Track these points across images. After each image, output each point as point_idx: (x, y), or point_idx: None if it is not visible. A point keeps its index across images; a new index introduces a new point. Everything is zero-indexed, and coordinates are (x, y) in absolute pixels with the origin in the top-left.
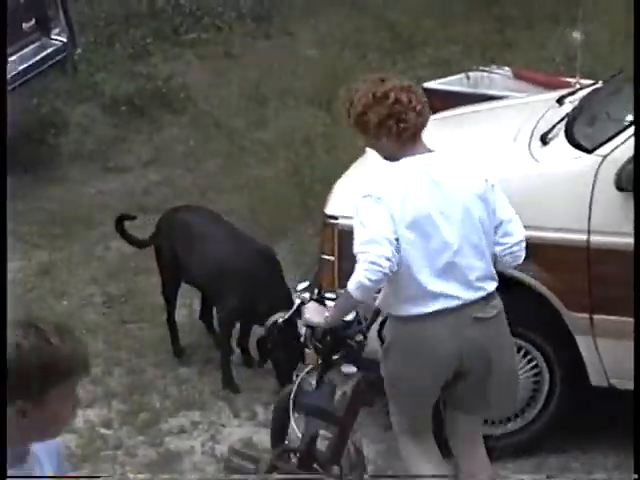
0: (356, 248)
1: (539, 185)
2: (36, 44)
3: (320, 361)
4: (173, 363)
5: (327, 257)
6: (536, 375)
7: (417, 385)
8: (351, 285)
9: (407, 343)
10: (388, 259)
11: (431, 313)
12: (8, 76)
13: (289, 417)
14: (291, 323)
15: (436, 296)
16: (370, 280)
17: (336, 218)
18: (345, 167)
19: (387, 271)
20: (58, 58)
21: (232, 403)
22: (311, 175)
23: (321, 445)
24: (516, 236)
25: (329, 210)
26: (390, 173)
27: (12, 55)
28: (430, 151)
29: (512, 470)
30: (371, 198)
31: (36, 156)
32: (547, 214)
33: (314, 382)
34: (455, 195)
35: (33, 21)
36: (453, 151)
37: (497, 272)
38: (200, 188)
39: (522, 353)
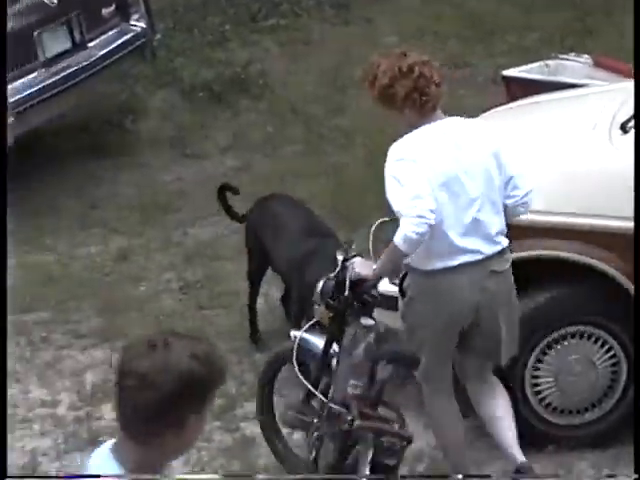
0: (399, 205)
1: (619, 173)
2: (115, 30)
3: (331, 317)
4: (249, 349)
5: None
6: (614, 365)
7: (439, 333)
8: (398, 239)
9: (432, 294)
10: (433, 211)
11: (456, 266)
12: (88, 61)
13: (275, 376)
14: (340, 282)
15: (462, 251)
16: (417, 233)
17: None
18: None
19: (432, 223)
20: (137, 44)
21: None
22: None
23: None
24: (525, 188)
25: None
26: (417, 138)
27: (92, 41)
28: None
29: (591, 461)
30: (406, 160)
31: (115, 142)
32: (628, 203)
33: (315, 339)
34: (475, 155)
35: (113, 7)
36: (529, 139)
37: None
38: (278, 174)
39: (600, 343)
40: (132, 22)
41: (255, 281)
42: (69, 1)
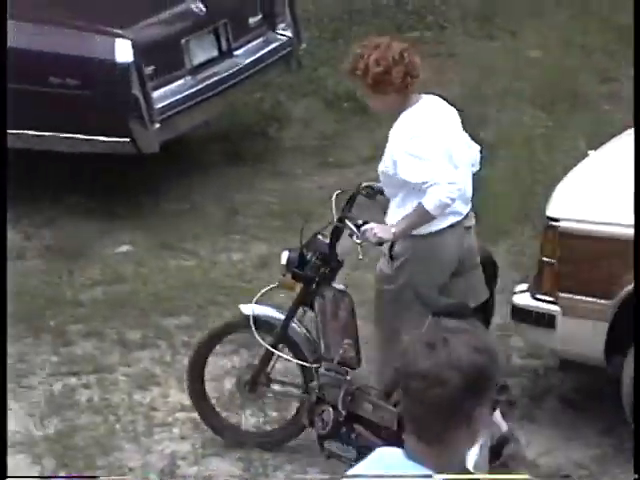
0: (424, 176)
1: None
2: (262, 39)
3: (301, 286)
4: None
5: (547, 259)
6: None
7: (429, 289)
8: (431, 204)
9: (426, 255)
10: (459, 181)
11: (445, 228)
12: (234, 70)
13: (214, 348)
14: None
15: (450, 213)
16: (451, 199)
17: (558, 220)
18: (565, 169)
19: (462, 188)
20: (283, 53)
21: None
22: (531, 176)
23: None
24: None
25: (550, 212)
26: (420, 116)
27: (238, 49)
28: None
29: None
30: (419, 137)
31: (258, 149)
32: None
33: (268, 309)
34: (457, 126)
35: (260, 16)
36: None
37: None
38: None
39: None
40: (278, 31)
41: None
42: (217, 9)
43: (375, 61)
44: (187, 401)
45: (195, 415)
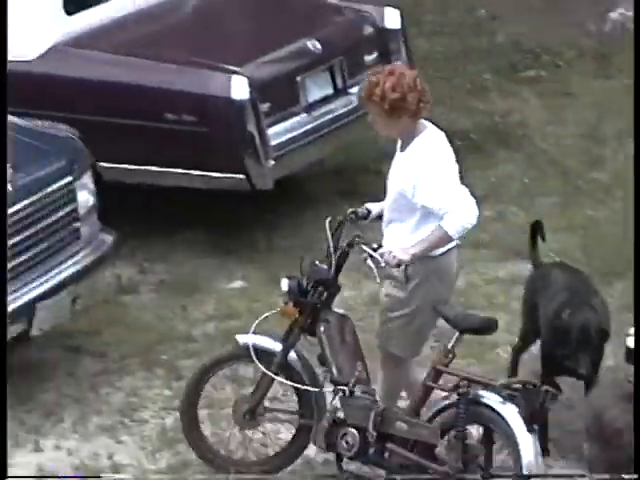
0: (445, 202)
1: None
2: None
3: (300, 311)
4: None
5: None
6: None
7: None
8: (453, 229)
9: (438, 274)
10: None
11: (451, 248)
12: (348, 107)
13: (210, 378)
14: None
15: None
16: (471, 224)
17: None
18: None
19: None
20: None
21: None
22: None
23: None
24: None
25: None
26: (434, 143)
27: (353, 87)
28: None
29: None
30: (439, 163)
31: (372, 186)
32: None
33: (264, 339)
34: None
35: (375, 54)
36: None
37: None
38: None
39: None
40: None
41: (525, 340)
42: (333, 47)
43: (391, 88)
44: None
45: None
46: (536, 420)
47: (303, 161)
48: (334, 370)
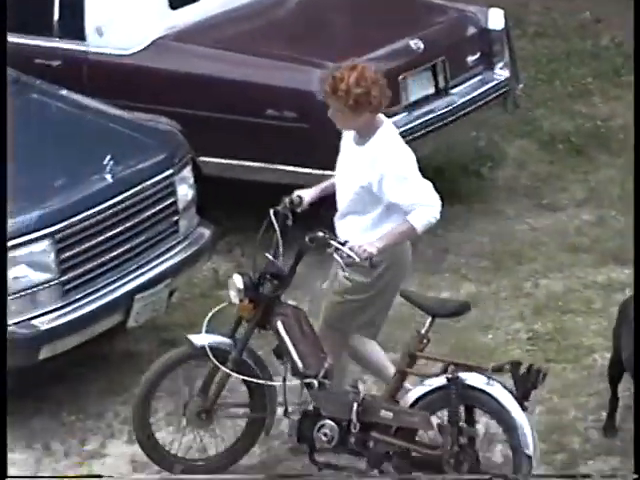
0: (416, 197)
1: None
2: (479, 78)
3: (255, 310)
4: (596, 406)
5: None
6: None
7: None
8: (420, 224)
9: (400, 259)
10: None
11: None
12: (449, 108)
13: (164, 378)
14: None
15: None
16: (436, 218)
17: None
18: None
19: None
20: (499, 93)
21: None
22: None
23: None
24: None
25: None
26: (399, 138)
27: (455, 87)
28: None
29: None
30: (409, 159)
31: (471, 188)
32: None
33: (217, 337)
34: None
35: (478, 54)
36: None
37: None
38: (632, 232)
39: None
40: (496, 70)
41: (614, 376)
42: (435, 47)
43: (356, 82)
44: None
45: None
46: (528, 399)
47: None
48: (298, 363)
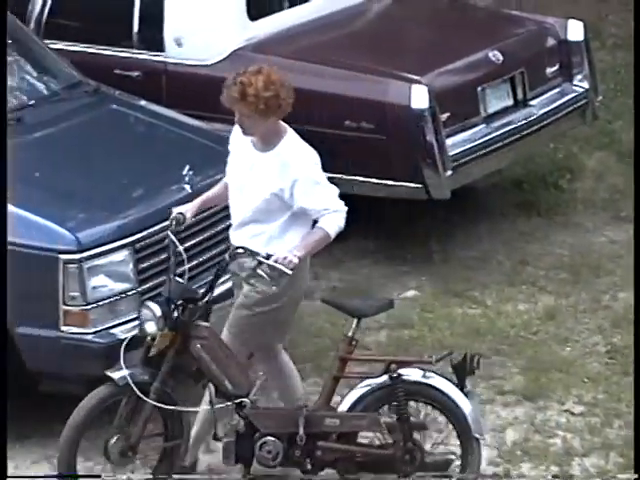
0: (327, 203)
1: None
2: (558, 89)
3: (174, 337)
4: None
5: None
6: None
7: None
8: (333, 230)
9: (303, 268)
10: None
11: None
12: (528, 120)
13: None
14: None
15: None
16: (343, 224)
17: None
18: None
19: None
20: (578, 104)
21: None
22: None
23: None
24: None
25: None
26: (302, 144)
27: (534, 99)
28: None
29: None
30: (319, 164)
31: (550, 200)
32: None
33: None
34: None
35: (557, 66)
36: None
37: None
38: None
39: None
40: (575, 82)
41: None
42: (514, 58)
43: (264, 86)
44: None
45: None
46: (465, 385)
47: (480, 172)
48: (227, 384)
